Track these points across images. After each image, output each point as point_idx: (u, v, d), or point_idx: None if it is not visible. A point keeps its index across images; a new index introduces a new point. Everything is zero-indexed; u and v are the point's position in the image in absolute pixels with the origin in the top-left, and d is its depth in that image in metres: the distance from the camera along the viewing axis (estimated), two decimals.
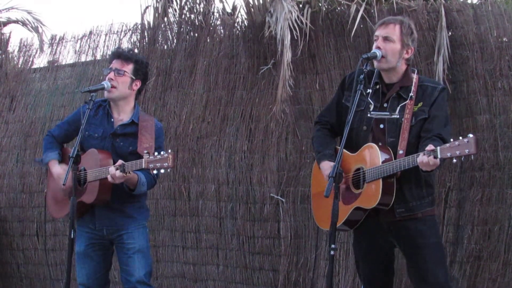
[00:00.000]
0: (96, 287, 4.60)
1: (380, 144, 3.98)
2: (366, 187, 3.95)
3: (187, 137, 6.55)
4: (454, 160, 3.60)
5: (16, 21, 8.16)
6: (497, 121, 5.44)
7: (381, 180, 3.86)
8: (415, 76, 4.07)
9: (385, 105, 4.04)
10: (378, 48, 4.01)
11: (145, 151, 4.23)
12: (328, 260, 3.83)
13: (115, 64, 4.56)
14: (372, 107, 4.04)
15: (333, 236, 3.76)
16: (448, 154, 3.56)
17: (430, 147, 3.66)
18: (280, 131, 6.24)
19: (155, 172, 4.16)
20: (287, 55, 5.77)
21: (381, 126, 4.02)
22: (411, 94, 3.98)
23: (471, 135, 3.53)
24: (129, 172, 4.28)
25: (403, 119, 3.96)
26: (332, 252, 3.77)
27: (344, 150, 3.95)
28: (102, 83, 4.55)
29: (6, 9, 8.17)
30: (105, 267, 4.65)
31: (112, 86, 4.51)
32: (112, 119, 4.59)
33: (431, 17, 5.68)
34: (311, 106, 6.16)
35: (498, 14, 5.51)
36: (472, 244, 5.46)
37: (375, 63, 4.04)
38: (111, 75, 4.52)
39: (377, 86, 4.09)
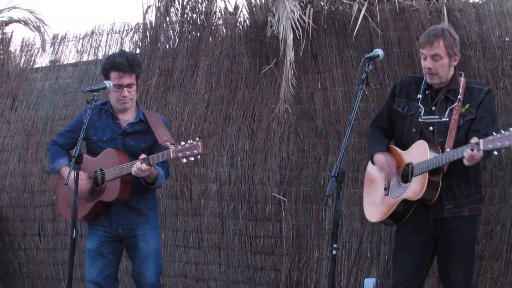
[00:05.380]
0: (105, 284, 4.64)
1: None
2: (413, 181, 4.09)
3: (189, 136, 6.53)
4: (496, 153, 3.73)
5: (18, 21, 8.17)
6: (499, 121, 5.43)
7: (427, 174, 4.00)
8: (462, 79, 4.20)
9: (433, 108, 4.18)
10: (429, 68, 4.11)
11: (168, 143, 4.31)
12: (330, 260, 3.82)
13: (124, 79, 4.56)
14: (422, 112, 4.19)
15: (335, 236, 3.78)
16: (490, 146, 3.69)
17: (474, 139, 3.78)
18: (282, 131, 6.23)
19: (184, 160, 4.22)
20: (290, 55, 5.77)
21: (431, 128, 4.17)
22: (459, 96, 4.13)
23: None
24: (154, 165, 4.35)
25: (451, 120, 4.09)
26: (334, 252, 3.79)
27: (395, 147, 4.27)
28: (104, 82, 4.59)
29: (8, 8, 8.19)
30: (115, 264, 4.71)
31: (129, 99, 4.58)
32: (118, 120, 4.64)
33: (433, 16, 5.67)
34: (313, 105, 6.16)
35: (500, 14, 5.51)
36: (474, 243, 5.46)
37: (428, 79, 4.17)
38: (125, 92, 4.56)
39: (426, 92, 4.23)
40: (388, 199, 4.22)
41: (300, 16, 5.85)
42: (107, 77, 4.59)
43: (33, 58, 7.68)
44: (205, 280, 6.47)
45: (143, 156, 4.35)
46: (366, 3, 5.77)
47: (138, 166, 4.32)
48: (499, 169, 5.42)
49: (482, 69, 5.49)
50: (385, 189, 4.30)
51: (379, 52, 4.11)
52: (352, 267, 5.87)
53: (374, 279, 5.73)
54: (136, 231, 4.62)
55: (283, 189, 6.20)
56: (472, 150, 3.76)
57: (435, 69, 4.13)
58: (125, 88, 4.56)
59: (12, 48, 7.85)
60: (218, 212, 6.43)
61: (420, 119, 4.19)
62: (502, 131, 3.67)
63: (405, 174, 4.18)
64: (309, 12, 5.96)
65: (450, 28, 4.29)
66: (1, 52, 7.78)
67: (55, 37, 7.60)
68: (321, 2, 6.02)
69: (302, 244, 6.12)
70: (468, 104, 4.12)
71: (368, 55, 4.06)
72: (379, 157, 4.26)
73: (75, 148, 4.32)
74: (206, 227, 6.47)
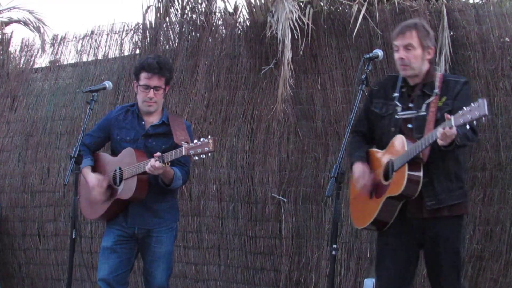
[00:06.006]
0: (115, 284, 4.65)
1: None
2: (394, 176, 4.02)
3: None
4: (468, 127, 3.61)
5: (18, 21, 8.18)
6: (498, 121, 5.44)
7: (406, 167, 3.92)
8: (438, 74, 4.14)
9: (410, 105, 4.11)
10: (401, 58, 4.06)
11: (183, 142, 4.36)
12: (330, 260, 3.81)
13: (152, 81, 4.62)
14: (399, 109, 4.12)
15: (335, 236, 3.77)
16: (461, 120, 3.60)
17: (446, 116, 3.70)
18: (282, 131, 6.24)
19: (196, 158, 4.28)
20: (288, 55, 5.78)
21: (409, 125, 4.09)
22: (435, 90, 4.06)
23: (480, 99, 3.56)
24: (168, 163, 4.39)
25: (428, 114, 4.02)
26: (333, 252, 3.77)
27: (375, 149, 4.19)
28: (104, 83, 4.70)
29: (7, 9, 8.20)
30: (127, 266, 4.72)
31: (154, 102, 4.65)
32: (143, 122, 4.71)
33: (433, 17, 5.68)
34: (313, 106, 6.16)
35: (500, 14, 5.52)
36: (474, 244, 5.46)
37: (401, 71, 4.11)
38: (151, 93, 4.62)
39: (403, 90, 4.17)
40: (373, 201, 4.14)
41: (299, 16, 5.85)
42: (138, 78, 4.67)
43: (32, 59, 7.69)
44: (205, 280, 6.47)
45: (158, 154, 4.41)
46: (365, 4, 5.78)
47: (152, 164, 4.37)
48: (498, 170, 5.42)
49: (481, 69, 5.50)
50: (370, 192, 4.22)
51: (378, 52, 4.09)
52: (351, 268, 5.88)
53: (373, 280, 5.72)
54: (151, 232, 4.66)
55: (282, 189, 6.20)
56: (443, 128, 3.69)
57: (408, 59, 4.05)
58: (151, 90, 4.61)
59: (11, 49, 7.86)
60: (217, 213, 6.43)
61: (396, 116, 4.10)
62: (472, 104, 3.58)
63: (387, 171, 4.11)
64: (309, 12, 5.96)
65: (424, 23, 4.23)
66: (1, 52, 7.79)
67: (54, 37, 7.62)
68: (320, 3, 6.03)
69: (302, 244, 6.12)
70: (445, 97, 4.05)
71: (368, 56, 4.04)
72: (356, 168, 4.19)
73: (74, 148, 4.42)
74: (205, 228, 6.47)
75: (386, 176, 4.09)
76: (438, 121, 3.97)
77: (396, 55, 4.10)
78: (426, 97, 4.08)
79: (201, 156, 4.27)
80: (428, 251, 4.10)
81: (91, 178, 4.65)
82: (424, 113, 4.03)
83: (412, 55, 4.05)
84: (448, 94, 4.05)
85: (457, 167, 4.09)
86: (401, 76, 4.16)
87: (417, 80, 4.13)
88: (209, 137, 4.26)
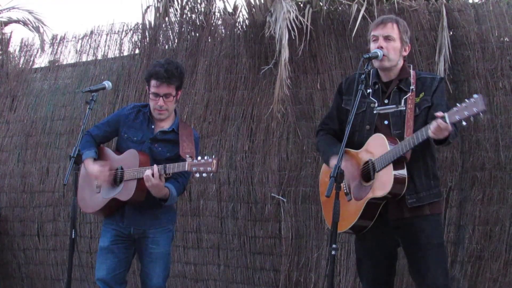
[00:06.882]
0: (113, 284, 4.66)
1: None
2: (377, 177, 3.93)
3: None
4: (464, 123, 3.56)
5: (17, 21, 8.20)
6: (498, 121, 5.44)
7: (391, 166, 3.85)
8: (412, 71, 4.11)
9: (386, 101, 4.07)
10: (380, 47, 4.02)
11: (188, 155, 4.35)
12: (329, 260, 3.80)
13: (161, 89, 4.58)
14: (376, 105, 4.06)
15: (334, 236, 3.75)
16: (457, 117, 3.55)
17: (439, 113, 3.63)
18: (281, 131, 6.24)
19: (197, 175, 4.26)
20: (285, 55, 5.77)
21: (386, 122, 4.03)
22: (412, 87, 4.03)
23: (476, 95, 3.52)
24: (169, 174, 4.40)
25: (406, 110, 3.98)
26: (333, 252, 3.75)
27: (349, 149, 4.04)
28: (103, 83, 4.69)
29: (7, 9, 8.22)
30: (125, 265, 4.73)
31: (164, 110, 4.62)
32: (153, 126, 4.69)
33: (433, 17, 5.68)
34: (312, 106, 6.16)
35: (500, 14, 5.52)
36: (473, 244, 5.46)
37: (376, 62, 4.05)
38: (161, 102, 4.59)
39: (376, 86, 4.12)
40: (352, 204, 4.03)
41: (297, 16, 5.85)
42: (148, 84, 4.66)
43: (32, 59, 7.69)
44: (204, 280, 6.47)
45: (162, 166, 4.40)
46: (365, 3, 5.78)
47: (155, 170, 4.36)
48: (498, 170, 5.42)
49: (481, 69, 5.50)
50: (347, 194, 4.07)
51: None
52: (351, 268, 5.88)
53: None
54: (148, 233, 4.66)
55: (282, 189, 6.20)
56: (437, 121, 3.61)
57: (386, 50, 4.01)
58: (161, 98, 4.59)
59: (11, 49, 7.86)
60: (217, 213, 6.43)
61: (375, 111, 4.04)
62: (466, 100, 3.52)
63: (366, 172, 4.00)
64: (308, 12, 5.96)
65: (403, 21, 4.21)
66: (0, 52, 7.79)
67: (54, 37, 7.62)
68: (320, 3, 6.03)
69: (301, 244, 6.12)
70: (423, 93, 4.01)
71: (367, 56, 4.01)
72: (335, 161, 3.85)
73: (74, 148, 4.41)
74: (205, 228, 6.47)
75: (366, 177, 4.02)
76: (417, 117, 3.96)
77: (373, 45, 4.06)
78: (402, 93, 4.04)
79: (203, 174, 4.25)
80: (411, 250, 4.04)
81: (92, 167, 4.62)
82: (403, 108, 3.99)
83: (392, 46, 4.04)
84: (425, 90, 4.03)
85: (434, 165, 4.08)
86: (372, 71, 4.11)
87: (392, 76, 4.10)
88: (213, 156, 4.27)
